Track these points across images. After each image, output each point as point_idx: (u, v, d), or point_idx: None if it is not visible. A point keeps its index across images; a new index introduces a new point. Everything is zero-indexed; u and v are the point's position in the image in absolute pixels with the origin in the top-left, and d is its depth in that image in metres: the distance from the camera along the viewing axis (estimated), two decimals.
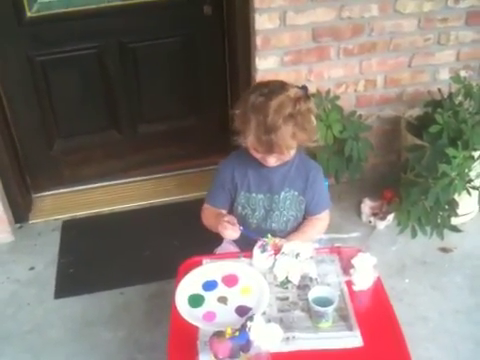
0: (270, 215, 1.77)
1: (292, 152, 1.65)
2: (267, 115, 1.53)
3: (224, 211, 1.83)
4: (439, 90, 2.54)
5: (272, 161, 1.64)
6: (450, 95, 2.49)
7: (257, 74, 2.50)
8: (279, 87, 1.60)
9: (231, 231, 1.64)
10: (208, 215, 1.83)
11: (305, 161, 1.80)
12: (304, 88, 1.64)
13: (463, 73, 2.67)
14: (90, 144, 2.94)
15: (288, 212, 1.77)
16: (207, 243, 1.83)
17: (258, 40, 2.42)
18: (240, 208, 1.79)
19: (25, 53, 2.62)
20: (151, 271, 2.39)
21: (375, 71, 2.66)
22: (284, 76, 2.44)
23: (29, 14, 2.55)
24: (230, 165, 1.79)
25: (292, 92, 1.59)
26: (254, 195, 1.76)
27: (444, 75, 2.72)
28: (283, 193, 1.75)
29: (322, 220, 1.83)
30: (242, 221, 1.79)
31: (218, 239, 1.82)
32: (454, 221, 2.40)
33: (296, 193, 1.76)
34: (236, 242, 1.86)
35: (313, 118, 1.63)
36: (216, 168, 1.87)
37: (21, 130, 2.80)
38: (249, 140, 1.60)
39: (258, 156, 1.65)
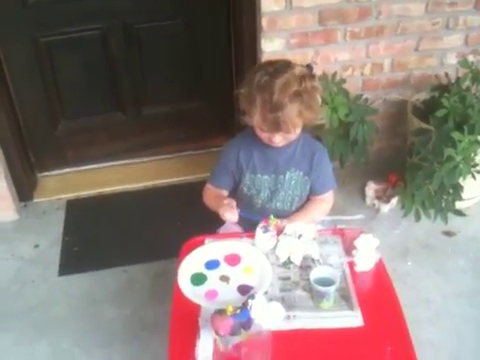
0: (275, 195, 1.78)
1: (298, 131, 1.64)
2: (273, 93, 1.53)
3: (226, 192, 1.84)
4: (446, 74, 2.53)
5: (278, 140, 1.63)
6: (457, 79, 2.47)
7: (263, 56, 2.48)
8: (284, 65, 1.60)
9: (229, 214, 1.64)
10: (209, 196, 1.84)
11: (310, 142, 1.80)
12: (309, 67, 1.64)
13: (471, 57, 2.64)
14: (94, 125, 2.94)
15: (293, 192, 1.78)
16: (210, 223, 1.84)
17: (264, 22, 2.40)
18: (246, 189, 1.80)
19: (29, 34, 2.60)
20: (154, 250, 2.41)
21: (382, 55, 2.63)
22: (290, 59, 2.39)
23: None
24: (235, 147, 1.79)
25: (297, 70, 1.58)
26: (259, 176, 1.76)
27: (451, 59, 2.70)
28: (288, 173, 1.75)
29: (326, 201, 1.83)
30: (247, 201, 1.80)
31: (220, 220, 1.82)
32: (458, 205, 2.39)
33: (301, 173, 1.76)
34: (239, 223, 1.86)
35: (318, 97, 1.63)
36: (221, 149, 1.87)
37: (26, 111, 2.79)
38: (255, 119, 1.60)
39: (264, 136, 1.65)
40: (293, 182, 1.76)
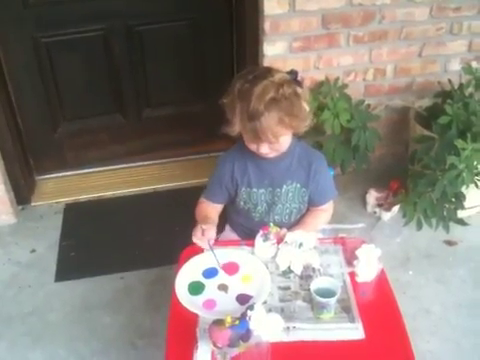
0: (273, 209, 1.73)
1: (283, 140, 1.57)
2: (250, 101, 1.48)
3: (220, 207, 1.80)
4: (449, 81, 2.50)
5: (265, 151, 1.58)
6: (460, 86, 2.46)
7: (265, 60, 2.46)
8: (264, 72, 1.55)
9: (199, 242, 1.58)
10: (201, 210, 1.78)
11: (307, 151, 1.74)
12: (293, 73, 1.57)
13: (475, 64, 2.62)
14: (94, 128, 2.92)
15: (291, 205, 1.73)
16: None
17: (267, 25, 2.38)
18: (242, 203, 1.75)
19: (30, 35, 2.59)
20: (152, 257, 2.39)
21: (385, 60, 2.62)
22: (292, 63, 2.41)
23: None
24: (229, 161, 1.73)
25: (277, 77, 1.52)
26: (255, 190, 1.71)
27: (455, 65, 2.68)
28: (285, 186, 1.70)
29: (325, 211, 1.79)
30: (245, 215, 1.76)
31: (219, 227, 1.79)
32: (460, 214, 2.38)
33: (298, 185, 1.71)
34: (237, 231, 1.84)
35: (303, 102, 1.55)
36: (216, 161, 1.81)
37: (25, 112, 2.78)
38: (236, 129, 1.55)
39: (252, 147, 1.59)
40: (290, 195, 1.71)
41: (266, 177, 1.70)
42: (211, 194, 1.79)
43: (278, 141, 1.56)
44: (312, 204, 1.77)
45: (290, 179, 1.70)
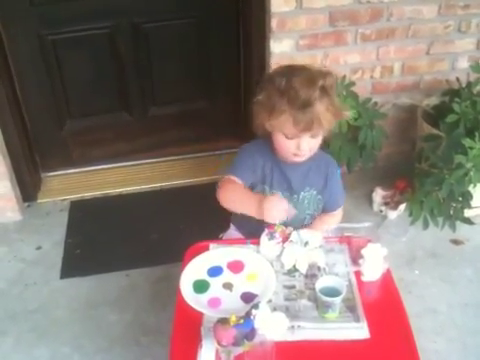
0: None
1: (320, 136, 1.57)
2: (299, 91, 1.46)
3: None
4: (457, 79, 2.48)
5: (305, 146, 1.54)
6: (468, 84, 2.44)
7: (271, 58, 2.45)
8: (300, 67, 1.55)
9: (277, 211, 1.47)
10: (234, 187, 1.60)
11: (323, 156, 1.72)
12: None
13: None
14: (100, 125, 2.92)
15: (305, 211, 1.72)
16: (214, 228, 1.81)
17: (273, 23, 2.37)
18: None
19: (36, 32, 2.59)
20: (157, 254, 2.38)
21: (392, 58, 2.60)
22: (299, 60, 2.39)
23: None
24: (253, 151, 1.67)
25: (316, 69, 1.54)
26: (274, 192, 1.65)
27: (463, 64, 2.66)
28: (302, 193, 1.69)
29: (335, 216, 1.78)
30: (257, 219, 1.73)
31: (224, 225, 1.79)
32: (467, 213, 2.35)
33: (315, 192, 1.69)
34: (241, 229, 1.82)
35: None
36: (243, 147, 1.72)
37: (32, 109, 2.78)
38: (282, 123, 1.50)
39: (289, 145, 1.55)
40: (306, 202, 1.70)
41: (285, 181, 1.68)
42: (239, 172, 1.63)
43: (321, 134, 1.55)
44: (323, 210, 1.75)
45: (308, 186, 1.68)
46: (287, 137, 1.54)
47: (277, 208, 1.48)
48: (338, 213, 1.79)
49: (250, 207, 1.53)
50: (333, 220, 1.77)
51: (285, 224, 1.59)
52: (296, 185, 1.68)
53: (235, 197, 1.60)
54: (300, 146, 1.54)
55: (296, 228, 1.65)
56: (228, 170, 1.66)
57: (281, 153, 1.61)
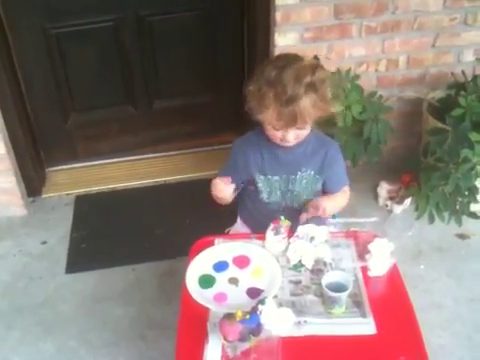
0: (286, 196, 1.73)
1: (309, 127, 1.59)
2: (286, 86, 1.47)
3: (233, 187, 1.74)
4: (463, 72, 2.47)
5: (291, 138, 1.58)
6: (474, 78, 2.42)
7: (276, 50, 2.44)
8: (293, 58, 1.55)
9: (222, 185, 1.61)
10: (217, 187, 1.70)
11: (321, 139, 1.74)
12: (316, 58, 1.59)
13: None
14: (105, 119, 2.91)
15: (304, 191, 1.73)
16: (220, 222, 1.81)
17: (278, 15, 2.36)
18: (256, 190, 1.74)
19: (40, 25, 2.57)
20: (163, 249, 2.39)
21: (398, 51, 2.58)
22: (303, 53, 2.35)
23: None
24: (244, 145, 1.73)
25: (308, 62, 1.55)
26: (269, 177, 1.71)
27: (469, 57, 2.64)
28: (299, 173, 1.70)
29: (345, 192, 1.78)
30: (258, 202, 1.75)
31: (230, 218, 1.79)
32: (473, 208, 2.34)
33: (312, 172, 1.71)
34: (248, 223, 1.82)
35: (328, 89, 1.57)
36: (232, 146, 1.79)
37: (36, 103, 2.77)
38: (267, 116, 1.54)
39: (277, 135, 1.59)
40: (304, 182, 1.71)
41: (281, 164, 1.70)
42: (228, 172, 1.72)
43: (308, 127, 1.57)
44: (328, 191, 1.76)
45: (305, 166, 1.69)
46: (274, 128, 1.57)
47: (215, 188, 1.62)
48: (345, 189, 1.78)
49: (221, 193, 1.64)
50: (342, 196, 1.76)
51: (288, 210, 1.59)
52: (293, 167, 1.70)
53: (215, 191, 1.68)
54: (285, 137, 1.58)
55: (296, 208, 1.70)
56: (219, 170, 1.76)
57: (271, 139, 1.64)
